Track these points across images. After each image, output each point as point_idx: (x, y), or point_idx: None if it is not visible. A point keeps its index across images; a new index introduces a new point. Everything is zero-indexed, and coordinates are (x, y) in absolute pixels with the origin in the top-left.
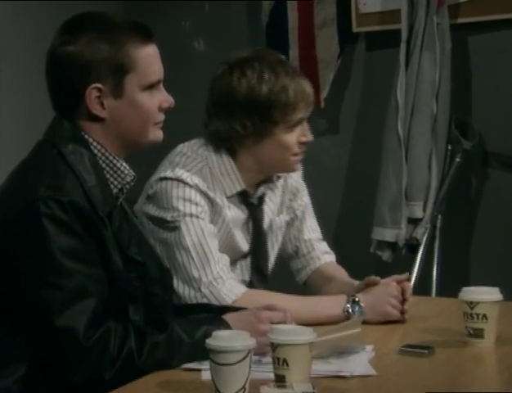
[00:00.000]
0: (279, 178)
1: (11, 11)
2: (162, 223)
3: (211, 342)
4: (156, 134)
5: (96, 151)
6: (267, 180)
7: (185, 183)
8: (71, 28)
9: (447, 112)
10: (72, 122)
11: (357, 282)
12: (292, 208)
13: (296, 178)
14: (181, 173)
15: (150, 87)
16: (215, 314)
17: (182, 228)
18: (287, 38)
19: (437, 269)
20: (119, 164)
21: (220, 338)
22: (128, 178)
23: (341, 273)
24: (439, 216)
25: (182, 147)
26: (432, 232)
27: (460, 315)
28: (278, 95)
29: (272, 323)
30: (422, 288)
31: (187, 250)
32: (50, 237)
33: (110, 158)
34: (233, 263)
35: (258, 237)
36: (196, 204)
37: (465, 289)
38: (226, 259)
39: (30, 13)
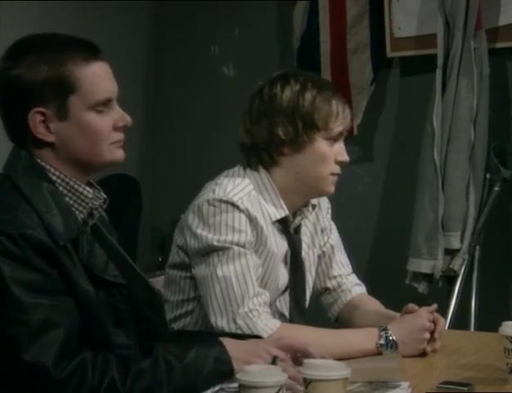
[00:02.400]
0: (313, 208)
1: (47, 11)
2: (206, 247)
3: (241, 377)
4: (114, 154)
5: (54, 178)
6: (303, 208)
7: (235, 207)
8: (14, 52)
9: (486, 139)
10: (27, 150)
11: (393, 313)
12: (319, 245)
13: (325, 215)
14: (232, 194)
15: (100, 106)
16: (209, 336)
17: (228, 256)
18: (319, 64)
19: (475, 302)
20: (81, 189)
21: (251, 373)
22: (97, 202)
23: (376, 305)
24: (477, 247)
25: (227, 172)
26: (470, 263)
27: (500, 351)
28: (321, 103)
29: (275, 364)
30: (460, 322)
31: (228, 279)
32: (4, 273)
33: (71, 183)
34: (275, 296)
35: (298, 267)
36: (246, 233)
37: (506, 323)
38: (266, 294)
39: (62, 14)
